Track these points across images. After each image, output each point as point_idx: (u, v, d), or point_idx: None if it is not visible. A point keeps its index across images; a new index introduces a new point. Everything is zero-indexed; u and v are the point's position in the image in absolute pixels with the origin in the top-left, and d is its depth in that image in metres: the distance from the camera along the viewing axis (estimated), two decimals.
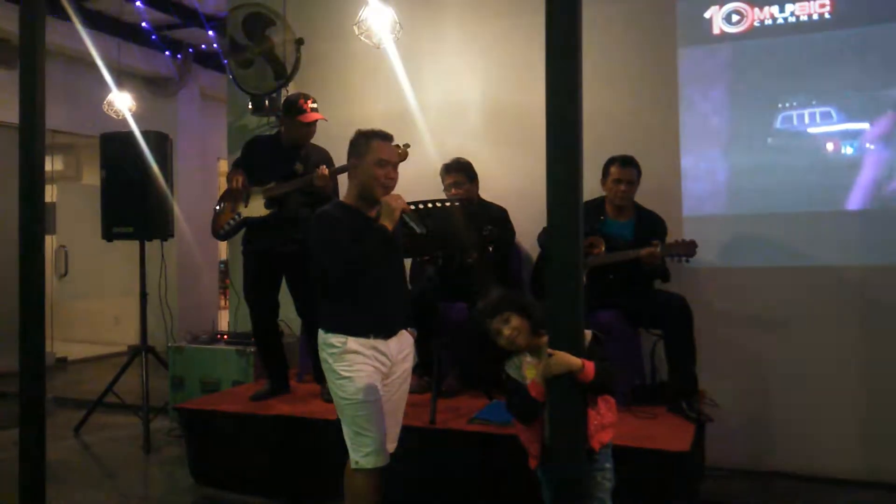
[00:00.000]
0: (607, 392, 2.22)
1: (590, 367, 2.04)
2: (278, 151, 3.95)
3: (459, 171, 4.00)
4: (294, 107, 3.85)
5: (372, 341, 2.55)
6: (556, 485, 2.01)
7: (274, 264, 3.88)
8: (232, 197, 3.96)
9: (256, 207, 3.89)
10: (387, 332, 2.60)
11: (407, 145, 3.40)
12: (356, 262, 2.49)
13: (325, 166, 3.70)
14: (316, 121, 3.89)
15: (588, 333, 2.20)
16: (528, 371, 2.23)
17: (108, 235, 4.86)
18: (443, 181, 4.03)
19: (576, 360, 1.99)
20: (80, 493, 3.81)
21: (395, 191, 2.68)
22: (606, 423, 2.23)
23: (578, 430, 1.99)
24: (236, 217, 3.93)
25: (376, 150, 2.61)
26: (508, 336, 2.27)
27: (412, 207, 2.75)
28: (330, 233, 2.54)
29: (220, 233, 4.02)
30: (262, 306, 3.97)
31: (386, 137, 2.67)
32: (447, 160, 4.07)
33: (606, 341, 2.34)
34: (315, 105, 3.89)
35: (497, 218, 3.96)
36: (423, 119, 4.61)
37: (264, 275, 3.91)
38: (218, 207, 4.04)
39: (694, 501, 3.12)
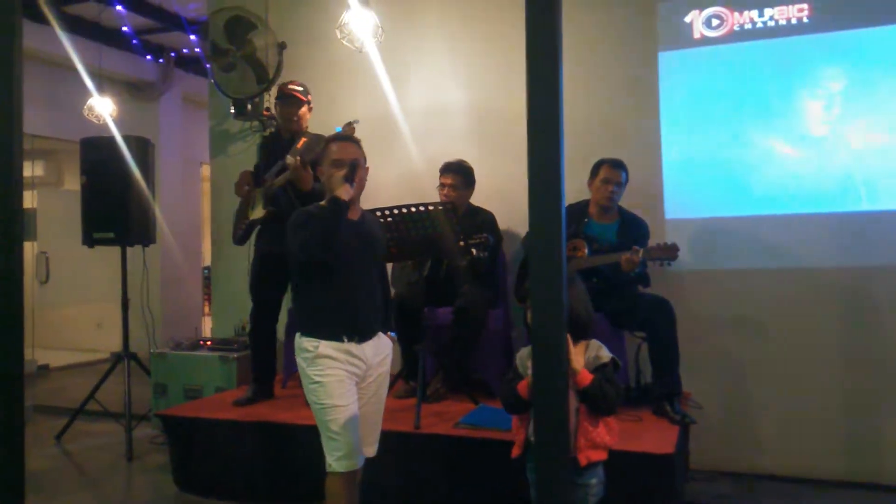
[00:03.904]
0: (599, 409, 2.20)
1: (586, 375, 2.03)
2: (278, 145, 3.97)
3: (458, 174, 3.98)
4: (278, 91, 4.02)
5: (345, 345, 2.53)
6: (537, 486, 2.01)
7: (275, 265, 3.81)
8: (245, 202, 4.03)
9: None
10: (361, 336, 2.58)
11: (356, 121, 3.35)
12: (329, 240, 2.48)
13: (298, 157, 3.62)
14: (293, 96, 3.90)
15: (607, 357, 2.23)
16: None
17: (89, 241, 4.80)
18: (440, 178, 4.03)
19: (575, 362, 2.00)
20: (61, 501, 3.77)
21: (371, 190, 2.81)
22: (599, 442, 2.21)
23: (561, 433, 1.98)
24: (246, 222, 3.96)
25: (331, 153, 2.66)
26: None
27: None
28: (302, 220, 2.56)
29: (234, 240, 4.08)
30: (261, 303, 3.98)
31: (336, 139, 2.73)
32: (434, 162, 4.06)
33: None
34: (300, 87, 3.95)
35: (485, 223, 3.95)
36: (406, 122, 4.61)
37: (266, 274, 3.91)
38: (237, 214, 4.10)
39: (678, 503, 3.13)
